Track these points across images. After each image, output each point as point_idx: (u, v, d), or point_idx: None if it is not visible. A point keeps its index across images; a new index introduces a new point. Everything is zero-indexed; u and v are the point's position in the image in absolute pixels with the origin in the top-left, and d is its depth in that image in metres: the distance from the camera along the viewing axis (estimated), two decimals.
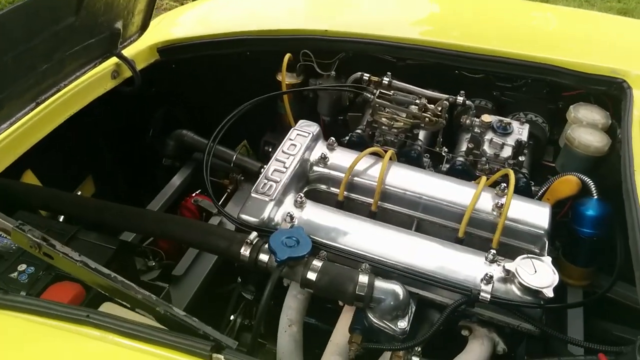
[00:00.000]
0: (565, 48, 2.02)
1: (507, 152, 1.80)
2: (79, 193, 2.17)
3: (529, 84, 2.07)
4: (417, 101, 1.83)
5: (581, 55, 1.96)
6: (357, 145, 1.90)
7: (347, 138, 1.94)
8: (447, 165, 1.87)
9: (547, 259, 1.42)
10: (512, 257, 1.57)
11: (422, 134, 1.94)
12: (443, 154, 1.89)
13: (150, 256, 1.99)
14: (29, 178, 1.98)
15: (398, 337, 1.37)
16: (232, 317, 1.74)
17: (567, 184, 1.70)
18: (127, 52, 2.15)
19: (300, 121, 1.80)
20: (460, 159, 1.85)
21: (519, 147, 1.82)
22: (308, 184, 1.71)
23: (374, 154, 1.70)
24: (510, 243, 1.58)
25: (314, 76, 2.21)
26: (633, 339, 1.87)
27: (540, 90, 2.06)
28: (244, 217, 1.49)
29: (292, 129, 1.75)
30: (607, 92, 1.90)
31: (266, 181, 1.57)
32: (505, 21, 2.33)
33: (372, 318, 1.38)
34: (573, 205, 1.74)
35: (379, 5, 2.39)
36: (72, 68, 1.91)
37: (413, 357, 1.35)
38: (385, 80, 1.90)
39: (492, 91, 2.13)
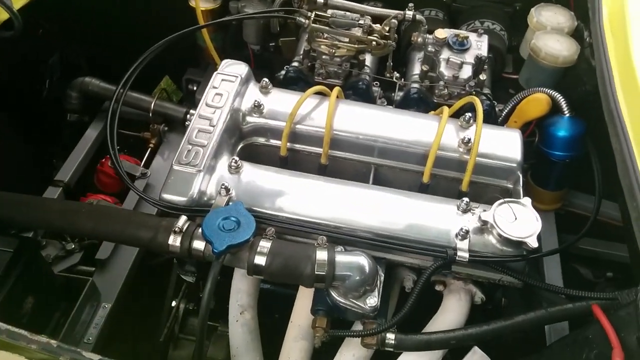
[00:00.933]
0: None
1: (466, 72, 1.56)
2: None
3: None
4: (361, 22, 1.53)
5: None
6: (295, 81, 1.61)
7: (282, 73, 1.64)
8: (401, 94, 1.63)
9: (527, 201, 1.23)
10: (484, 197, 1.40)
11: (368, 59, 1.66)
12: (395, 80, 1.64)
13: (67, 237, 1.70)
14: None
15: (368, 315, 1.19)
16: (173, 304, 1.52)
17: (536, 103, 1.50)
18: None
19: (224, 62, 1.49)
20: (415, 85, 1.60)
21: (479, 64, 1.58)
22: (243, 138, 1.43)
23: (318, 93, 1.43)
24: (480, 181, 1.39)
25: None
26: (603, 251, 1.83)
27: None
28: (168, 197, 1.22)
29: (215, 73, 1.44)
30: None
31: (190, 147, 1.28)
32: None
33: (336, 297, 1.18)
34: (541, 125, 1.55)
35: None
36: None
37: (388, 334, 1.18)
38: None
39: None
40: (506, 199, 1.23)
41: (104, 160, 1.89)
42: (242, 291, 1.33)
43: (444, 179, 1.41)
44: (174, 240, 1.15)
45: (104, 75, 1.99)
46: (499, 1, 1.82)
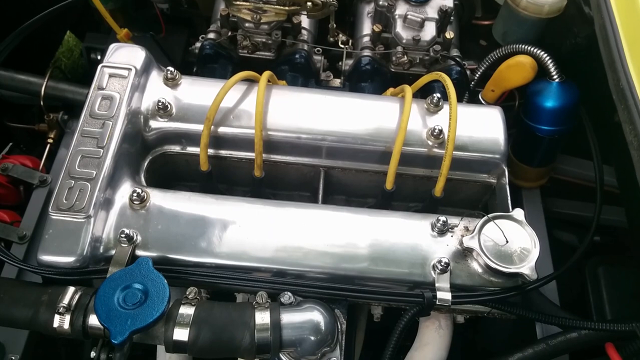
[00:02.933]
0: None
1: (430, 31, 1.24)
2: None
3: None
4: None
5: None
6: (215, 59, 1.26)
7: (196, 47, 1.28)
8: (350, 62, 1.30)
9: (520, 214, 0.97)
10: (460, 195, 1.13)
11: (306, 22, 1.31)
12: (341, 46, 1.30)
13: None
14: None
15: None
16: (92, 354, 1.24)
17: (518, 68, 1.19)
18: None
19: (112, 46, 1.11)
20: (367, 53, 1.27)
21: (444, 18, 1.25)
22: (149, 149, 1.09)
23: (244, 80, 1.09)
24: (456, 177, 1.12)
25: None
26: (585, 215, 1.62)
27: None
28: (48, 258, 0.90)
29: (100, 66, 1.07)
30: None
31: (71, 182, 0.94)
32: None
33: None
34: (524, 91, 1.26)
35: None
36: None
37: None
38: None
39: None
40: (493, 216, 0.96)
41: None
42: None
43: (411, 178, 1.13)
44: (62, 322, 0.85)
45: None
46: None
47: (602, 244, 1.59)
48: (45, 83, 1.52)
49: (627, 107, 0.94)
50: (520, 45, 1.23)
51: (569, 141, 1.32)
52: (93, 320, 0.86)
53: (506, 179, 1.11)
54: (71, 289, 0.87)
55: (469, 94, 1.32)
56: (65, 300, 0.85)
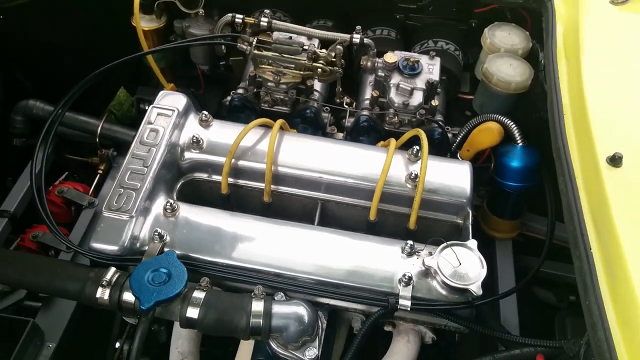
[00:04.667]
0: None
1: (417, 98, 1.51)
2: None
3: (435, 2, 1.74)
4: (306, 47, 1.47)
5: None
6: (241, 110, 1.56)
7: (227, 100, 1.58)
8: (352, 120, 1.58)
9: (473, 244, 1.20)
10: (433, 233, 1.36)
11: (318, 85, 1.61)
12: (345, 106, 1.58)
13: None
14: None
15: None
16: (117, 345, 1.46)
17: (487, 133, 1.45)
18: None
19: (161, 93, 1.42)
20: (365, 112, 1.55)
21: (430, 89, 1.53)
22: (182, 175, 1.37)
23: (262, 125, 1.37)
24: (429, 217, 1.35)
25: (178, 17, 1.77)
26: (565, 275, 1.80)
27: (449, 8, 1.74)
28: (97, 246, 1.16)
29: (151, 106, 1.37)
30: (524, 5, 1.62)
31: (121, 190, 1.22)
32: None
33: (275, 348, 1.14)
34: (495, 153, 1.51)
35: None
36: None
37: None
38: (264, 20, 1.51)
39: (395, 15, 1.79)
40: (451, 243, 1.19)
41: (51, 188, 1.81)
42: (182, 337, 1.27)
43: (393, 215, 1.37)
44: (103, 293, 1.10)
45: (54, 99, 1.91)
46: (453, 19, 1.77)
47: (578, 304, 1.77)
48: (101, 124, 1.85)
49: (560, 163, 1.18)
50: (492, 115, 1.50)
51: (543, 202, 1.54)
52: (126, 296, 1.10)
53: (470, 221, 1.33)
54: (112, 269, 1.11)
55: (450, 154, 1.58)
56: (107, 277, 1.10)
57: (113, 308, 1.11)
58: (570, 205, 1.10)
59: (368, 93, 1.60)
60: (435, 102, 1.53)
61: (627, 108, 1.25)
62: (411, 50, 1.71)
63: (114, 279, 1.10)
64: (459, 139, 1.58)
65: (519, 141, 1.46)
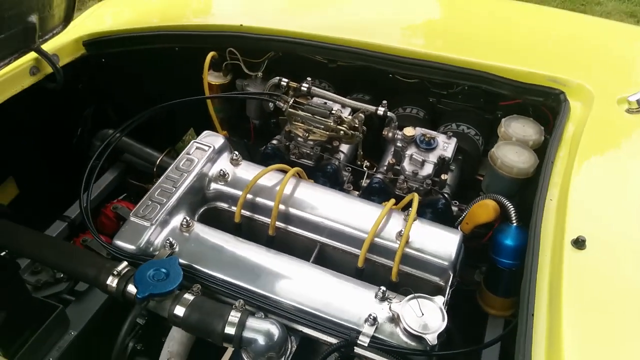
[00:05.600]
0: (504, 52, 1.86)
1: (427, 169, 1.67)
2: None
3: (465, 92, 1.92)
4: (334, 112, 1.69)
5: (521, 61, 1.80)
6: (272, 157, 1.78)
7: (263, 149, 1.82)
8: (368, 181, 1.75)
9: (439, 300, 1.30)
10: (416, 289, 1.46)
11: (345, 146, 1.81)
12: (364, 169, 1.77)
13: None
14: None
15: None
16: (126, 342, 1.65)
17: (484, 209, 1.57)
18: (50, 46, 2.02)
19: (204, 132, 1.68)
20: (379, 176, 1.72)
21: (442, 164, 1.69)
22: (206, 202, 1.60)
23: (282, 170, 1.59)
24: (413, 273, 1.47)
25: (242, 76, 2.07)
26: None
27: (477, 99, 1.91)
28: (119, 243, 1.39)
29: (192, 141, 1.63)
30: (544, 103, 1.75)
31: (149, 202, 1.46)
32: (442, 22, 2.17)
33: (243, 356, 1.28)
34: (493, 232, 1.61)
35: (313, 6, 2.23)
36: None
37: None
38: (305, 86, 1.76)
39: (428, 98, 1.99)
40: (418, 295, 1.30)
41: (108, 204, 2.11)
42: (175, 339, 1.43)
43: (381, 267, 1.49)
44: (112, 282, 1.31)
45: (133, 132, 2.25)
46: (480, 108, 1.93)
47: None
48: (161, 157, 2.14)
49: (530, 240, 1.28)
50: (492, 195, 1.61)
51: None
52: (130, 288, 1.30)
53: (449, 284, 1.43)
54: (124, 263, 1.33)
55: (454, 226, 1.69)
56: (118, 269, 1.31)
57: (117, 296, 1.31)
58: (526, 279, 1.19)
59: (387, 160, 1.77)
60: (444, 177, 1.68)
61: (606, 204, 1.34)
62: (436, 130, 1.88)
63: (124, 272, 1.31)
64: (464, 214, 1.69)
65: (514, 221, 1.55)
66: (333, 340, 1.33)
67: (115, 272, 1.31)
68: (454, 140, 1.73)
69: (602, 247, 1.22)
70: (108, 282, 1.31)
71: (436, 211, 1.65)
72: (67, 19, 2.06)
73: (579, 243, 1.21)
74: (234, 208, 1.58)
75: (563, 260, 1.19)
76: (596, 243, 1.22)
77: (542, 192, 1.39)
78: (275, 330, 1.27)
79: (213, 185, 1.58)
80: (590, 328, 1.09)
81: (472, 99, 1.92)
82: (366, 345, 1.24)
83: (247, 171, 1.61)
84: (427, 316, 1.27)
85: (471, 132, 1.85)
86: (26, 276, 1.82)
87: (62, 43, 2.09)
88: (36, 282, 1.83)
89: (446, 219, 1.67)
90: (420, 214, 1.55)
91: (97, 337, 1.74)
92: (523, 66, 1.77)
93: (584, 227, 1.25)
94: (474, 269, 1.73)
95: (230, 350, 1.37)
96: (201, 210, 1.59)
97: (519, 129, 1.71)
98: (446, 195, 1.68)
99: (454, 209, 1.70)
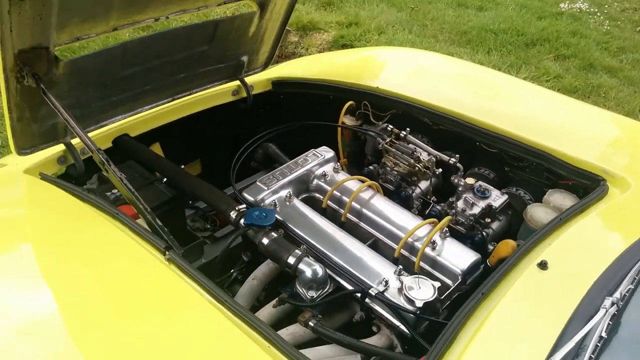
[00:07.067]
0: (568, 140, 2.30)
1: (474, 210, 2.17)
2: (182, 167, 3.01)
3: (532, 167, 2.37)
4: (415, 153, 2.30)
5: (580, 150, 2.24)
6: (366, 177, 2.42)
7: (363, 170, 2.48)
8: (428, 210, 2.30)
9: (436, 284, 1.80)
10: None
11: (425, 184, 2.38)
12: (430, 201, 2.32)
13: (210, 221, 2.72)
14: (156, 148, 2.87)
15: (307, 302, 1.87)
16: (232, 271, 2.37)
17: (505, 246, 2.01)
18: (249, 79, 2.97)
19: (323, 147, 2.40)
20: (437, 207, 2.26)
21: (488, 210, 2.17)
22: (308, 191, 2.29)
23: (362, 180, 2.23)
24: (431, 271, 1.97)
25: (369, 123, 2.78)
26: None
27: (541, 174, 2.35)
28: (244, 194, 2.14)
29: (312, 150, 2.36)
30: (591, 187, 2.15)
31: (271, 176, 2.20)
32: (522, 107, 2.68)
33: (296, 284, 1.90)
34: None
35: (438, 82, 2.88)
36: (202, 82, 2.77)
37: (312, 319, 1.83)
38: (403, 133, 2.41)
39: (504, 166, 2.48)
40: (422, 276, 1.81)
41: None
42: (261, 270, 2.10)
43: (410, 261, 2.02)
44: (233, 214, 2.05)
45: (286, 148, 3.05)
46: (543, 182, 2.36)
47: None
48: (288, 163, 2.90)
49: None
50: (520, 240, 2.05)
51: None
52: (242, 221, 2.02)
53: (455, 285, 1.89)
54: (244, 206, 2.06)
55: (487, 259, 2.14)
56: (239, 207, 2.05)
57: (234, 224, 2.04)
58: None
59: (452, 198, 2.30)
60: (487, 220, 2.16)
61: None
62: (499, 190, 2.35)
63: (241, 210, 2.05)
64: (493, 249, 2.13)
65: None
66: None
67: (237, 209, 2.05)
68: (505, 197, 2.20)
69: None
70: (231, 214, 2.05)
71: (473, 243, 2.13)
72: (266, 64, 3.01)
73: (542, 264, 1.64)
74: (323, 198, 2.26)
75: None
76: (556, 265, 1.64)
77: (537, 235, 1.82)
78: (319, 270, 1.88)
79: (315, 181, 2.28)
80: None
81: (537, 174, 2.37)
82: (374, 295, 1.79)
83: (341, 176, 2.28)
84: (422, 289, 1.78)
85: (525, 196, 2.30)
86: (188, 221, 2.67)
87: (257, 79, 3.03)
88: (192, 225, 2.67)
89: (481, 252, 2.13)
90: (461, 242, 2.05)
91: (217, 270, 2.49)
92: (580, 155, 2.21)
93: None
94: None
95: None
96: (302, 196, 2.28)
97: (558, 199, 2.13)
98: (484, 233, 2.15)
99: (490, 247, 2.15)
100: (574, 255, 1.72)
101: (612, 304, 1.43)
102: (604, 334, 1.37)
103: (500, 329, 1.49)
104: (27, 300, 1.66)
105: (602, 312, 1.40)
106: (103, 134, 2.46)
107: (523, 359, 1.38)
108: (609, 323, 1.40)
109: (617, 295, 1.46)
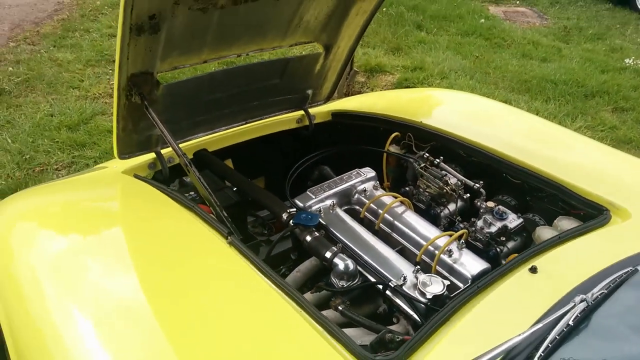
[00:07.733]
0: (580, 174, 2.61)
1: (491, 229, 2.50)
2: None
3: (549, 197, 2.68)
4: (444, 177, 2.67)
5: (590, 183, 2.54)
6: (402, 195, 2.82)
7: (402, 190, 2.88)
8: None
9: (446, 282, 2.15)
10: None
11: (452, 206, 2.74)
12: (455, 220, 2.67)
13: (267, 228, 3.18)
14: (228, 163, 3.39)
15: (338, 290, 2.26)
16: (281, 267, 2.80)
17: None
18: (312, 110, 3.46)
19: (366, 168, 2.82)
20: (461, 225, 2.61)
21: (504, 230, 2.50)
22: (349, 204, 2.71)
23: (395, 197, 2.63)
24: (446, 275, 2.31)
25: (411, 153, 3.18)
26: None
27: (556, 203, 2.65)
28: (295, 200, 2.59)
29: (356, 169, 2.79)
30: (596, 215, 2.43)
31: (318, 189, 2.64)
32: (540, 141, 3.01)
33: (331, 275, 2.31)
34: None
35: (476, 121, 3.25)
36: (272, 109, 3.28)
37: (341, 304, 2.22)
38: (437, 160, 2.79)
39: (525, 196, 2.79)
40: (433, 274, 2.17)
41: None
42: (305, 264, 2.50)
43: (429, 265, 2.37)
44: (285, 215, 2.49)
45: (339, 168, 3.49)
46: (557, 211, 2.65)
47: None
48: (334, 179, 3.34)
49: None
50: None
51: None
52: (291, 221, 2.46)
53: (461, 286, 2.23)
54: (294, 209, 2.50)
55: None
56: (290, 210, 2.49)
57: (284, 224, 2.48)
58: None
59: (481, 221, 2.64)
60: (502, 238, 2.48)
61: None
62: (517, 215, 2.66)
63: (292, 212, 2.49)
64: None
65: None
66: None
67: (288, 212, 2.50)
68: (520, 220, 2.53)
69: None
70: (283, 215, 2.50)
71: (488, 257, 2.46)
72: (328, 98, 3.50)
73: (532, 269, 1.96)
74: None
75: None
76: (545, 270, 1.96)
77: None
78: (351, 265, 2.27)
79: (356, 195, 2.70)
80: None
81: (553, 203, 2.67)
82: (393, 287, 2.16)
83: (379, 193, 2.69)
84: (434, 285, 2.13)
85: (540, 222, 2.60)
86: (249, 226, 3.14)
87: (319, 110, 3.51)
88: (252, 230, 3.14)
89: (495, 266, 2.45)
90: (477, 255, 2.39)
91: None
92: (592, 188, 2.51)
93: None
94: None
95: None
96: (344, 207, 2.70)
97: (566, 224, 2.43)
98: (498, 250, 2.47)
99: (503, 262, 2.47)
100: (564, 264, 2.03)
101: (582, 300, 1.73)
102: (571, 322, 1.68)
103: (485, 315, 1.82)
104: (123, 280, 2.09)
105: (570, 305, 1.71)
106: (187, 147, 3.00)
107: (498, 337, 1.71)
108: (577, 315, 1.71)
109: (588, 295, 1.77)
